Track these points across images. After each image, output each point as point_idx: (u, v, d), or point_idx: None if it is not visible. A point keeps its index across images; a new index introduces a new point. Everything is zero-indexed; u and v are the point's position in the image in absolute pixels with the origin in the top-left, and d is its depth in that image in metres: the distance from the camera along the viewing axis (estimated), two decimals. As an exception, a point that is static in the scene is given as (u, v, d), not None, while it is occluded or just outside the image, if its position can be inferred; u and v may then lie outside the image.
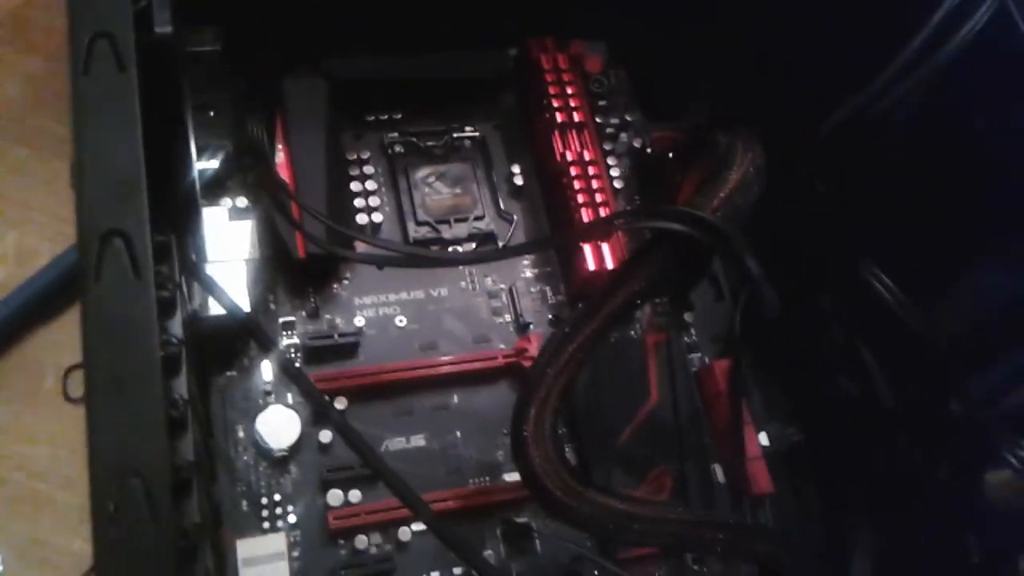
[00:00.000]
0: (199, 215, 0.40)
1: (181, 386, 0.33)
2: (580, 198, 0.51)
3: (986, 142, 0.44)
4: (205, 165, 0.49)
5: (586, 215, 0.51)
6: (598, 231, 0.49)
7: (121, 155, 0.25)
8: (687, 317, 0.54)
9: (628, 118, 0.58)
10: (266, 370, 0.47)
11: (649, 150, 0.56)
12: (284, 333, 0.48)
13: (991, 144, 0.44)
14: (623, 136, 0.57)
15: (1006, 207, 0.42)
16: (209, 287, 0.38)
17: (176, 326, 0.34)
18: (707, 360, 0.53)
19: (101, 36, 0.26)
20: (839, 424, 0.50)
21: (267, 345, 0.42)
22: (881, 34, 0.44)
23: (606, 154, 0.56)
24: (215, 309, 0.44)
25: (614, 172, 0.56)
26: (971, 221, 0.44)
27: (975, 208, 0.44)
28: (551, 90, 0.54)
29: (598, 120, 0.56)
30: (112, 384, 0.23)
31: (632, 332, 0.53)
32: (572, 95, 0.54)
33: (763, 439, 0.51)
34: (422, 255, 0.48)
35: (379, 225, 0.52)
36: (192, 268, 0.38)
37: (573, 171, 0.52)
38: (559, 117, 0.53)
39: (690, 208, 0.40)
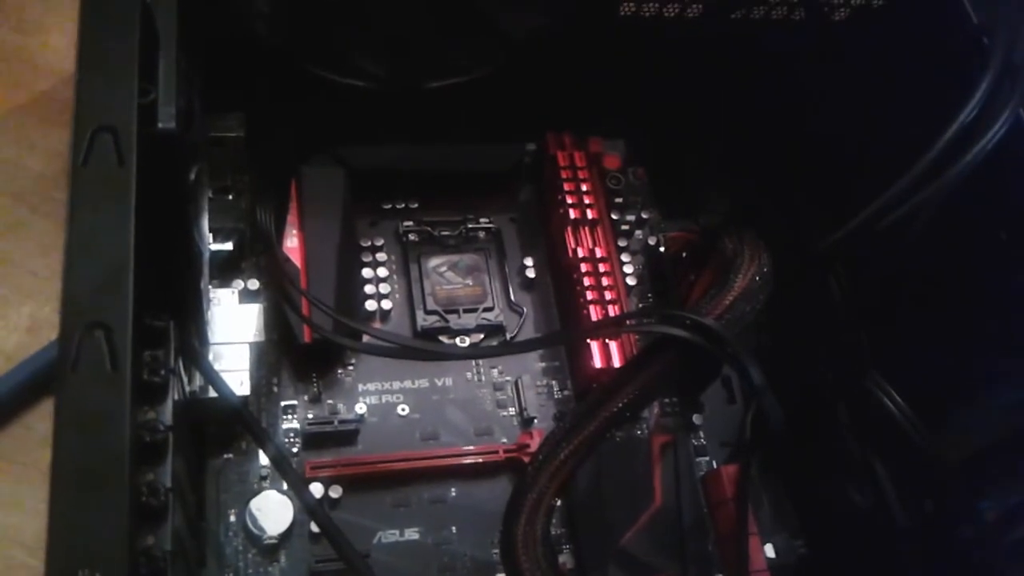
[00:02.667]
0: (201, 299, 0.40)
1: (164, 474, 0.33)
2: (590, 295, 0.51)
3: (1005, 256, 0.43)
4: (220, 247, 0.50)
5: (595, 312, 0.51)
6: (605, 330, 0.48)
7: (110, 247, 0.26)
8: (696, 419, 0.53)
9: (644, 216, 0.58)
10: (263, 454, 0.47)
11: (663, 249, 0.55)
12: (285, 417, 0.48)
13: (1009, 258, 0.43)
14: (638, 233, 0.57)
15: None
16: (206, 373, 0.38)
17: (165, 412, 0.34)
18: (715, 464, 0.52)
19: (104, 130, 0.27)
20: (848, 539, 0.49)
21: (257, 433, 0.42)
22: (898, 144, 0.44)
23: (620, 251, 0.56)
24: (214, 392, 0.44)
25: (628, 269, 0.55)
26: (985, 339, 0.43)
27: (990, 326, 0.43)
28: (566, 186, 0.54)
29: (614, 217, 0.57)
30: (76, 476, 0.23)
31: (639, 432, 0.52)
32: (587, 192, 0.55)
33: (769, 550, 0.49)
34: (423, 349, 0.48)
35: (388, 312, 0.52)
36: (191, 353, 0.39)
37: (584, 267, 0.52)
38: (573, 213, 0.54)
39: (693, 313, 0.39)
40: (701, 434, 0.53)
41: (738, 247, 0.42)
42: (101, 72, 0.28)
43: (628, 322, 0.50)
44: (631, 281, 0.55)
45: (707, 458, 0.52)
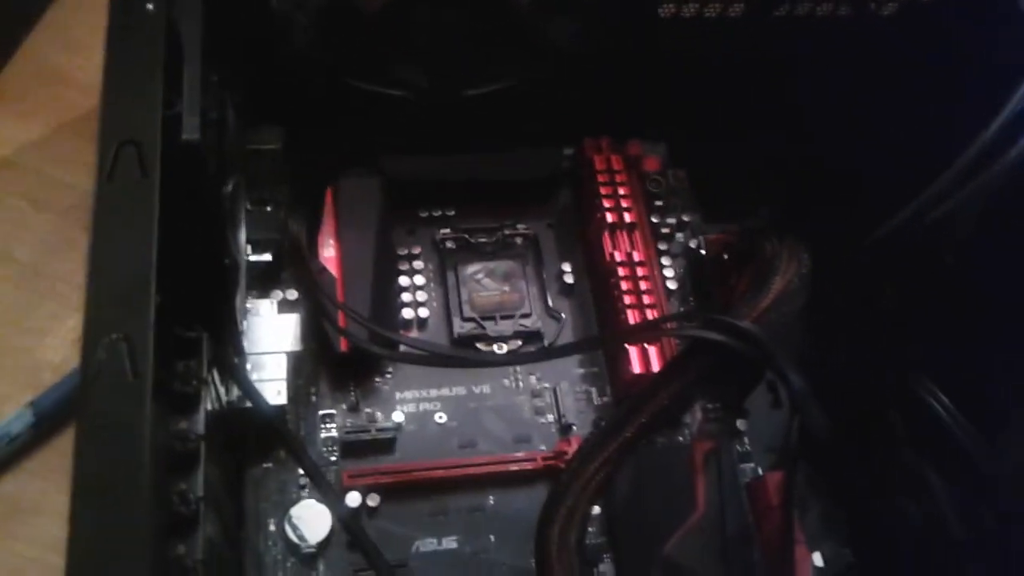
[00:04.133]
0: (234, 310, 0.40)
1: (196, 483, 0.33)
2: (627, 299, 0.50)
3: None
4: (259, 258, 0.50)
5: (633, 317, 0.50)
6: (641, 334, 0.48)
7: (133, 259, 0.26)
8: (740, 425, 0.52)
9: (685, 219, 0.57)
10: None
11: (703, 252, 0.54)
12: (323, 426, 0.48)
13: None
14: (679, 236, 0.56)
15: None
16: (240, 383, 0.38)
17: (197, 422, 0.34)
18: (760, 471, 0.51)
19: (128, 144, 0.27)
20: (900, 550, 0.47)
21: (291, 444, 0.42)
22: (942, 141, 0.42)
23: (660, 254, 0.55)
24: (268, 400, 0.44)
25: (668, 273, 0.55)
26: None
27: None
28: (603, 190, 0.54)
29: (654, 220, 0.56)
30: (97, 484, 0.23)
31: (681, 438, 0.51)
32: (624, 195, 0.54)
33: (817, 559, 0.48)
34: (458, 356, 0.48)
35: (425, 320, 0.52)
36: (226, 363, 0.39)
37: (621, 272, 0.51)
38: (610, 217, 0.53)
39: (731, 317, 0.38)
40: (746, 440, 0.52)
41: (777, 249, 0.41)
42: (125, 86, 0.28)
43: (666, 326, 0.49)
44: (672, 285, 0.54)
45: (752, 464, 0.51)
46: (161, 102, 0.29)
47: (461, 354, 0.49)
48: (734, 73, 0.56)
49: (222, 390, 0.41)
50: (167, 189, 0.28)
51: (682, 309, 0.54)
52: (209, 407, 0.37)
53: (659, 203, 0.57)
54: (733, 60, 0.56)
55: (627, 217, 0.53)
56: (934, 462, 0.46)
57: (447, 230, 0.55)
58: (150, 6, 0.30)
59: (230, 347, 0.40)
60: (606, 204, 0.53)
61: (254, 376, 0.45)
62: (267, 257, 0.50)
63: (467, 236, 0.55)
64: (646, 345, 0.49)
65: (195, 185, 0.31)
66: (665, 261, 0.55)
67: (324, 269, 0.50)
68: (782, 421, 0.53)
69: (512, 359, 0.50)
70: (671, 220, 0.57)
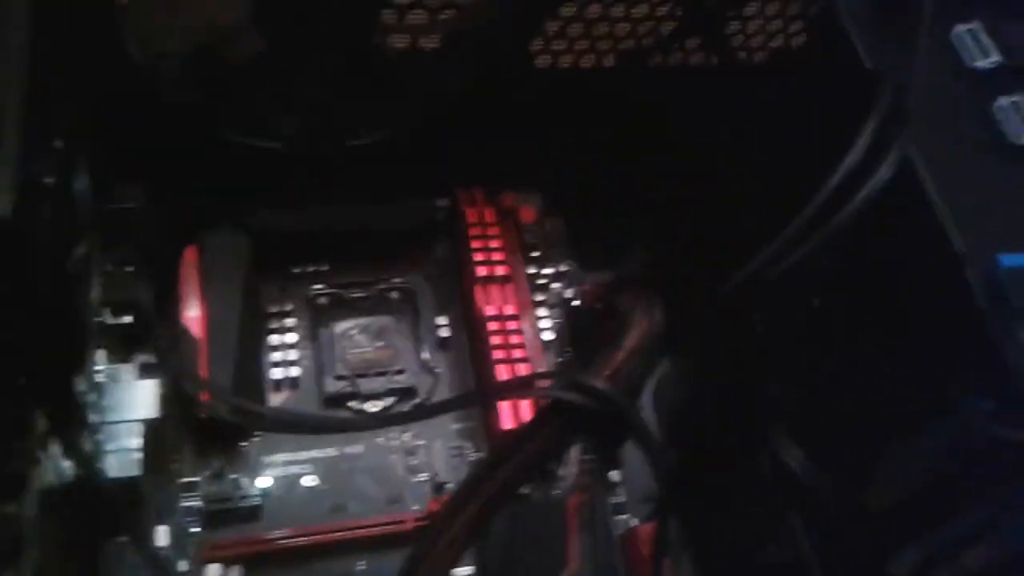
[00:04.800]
0: (71, 382, 0.39)
1: (23, 570, 0.32)
2: (497, 354, 0.50)
3: (905, 301, 0.43)
4: (118, 320, 0.48)
5: (503, 372, 0.50)
6: (505, 392, 0.48)
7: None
8: (615, 476, 0.52)
9: (562, 268, 0.57)
10: (161, 537, 0.45)
11: (578, 302, 0.55)
12: (184, 495, 0.47)
13: (910, 304, 0.43)
14: (555, 286, 0.57)
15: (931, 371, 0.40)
16: (76, 459, 0.37)
17: (27, 505, 0.33)
18: (635, 523, 0.51)
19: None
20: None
21: (130, 525, 0.41)
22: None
23: (537, 305, 0.55)
24: (110, 472, 0.43)
25: (544, 324, 0.55)
26: (902, 385, 0.42)
27: (906, 372, 0.43)
28: (474, 244, 0.54)
29: (532, 271, 0.56)
30: None
31: (555, 491, 0.51)
32: (497, 248, 0.54)
33: (691, 610, 0.48)
34: (324, 421, 0.47)
35: (296, 379, 0.51)
36: (66, 436, 0.37)
37: (492, 326, 0.51)
38: (481, 271, 0.53)
39: (588, 373, 0.38)
40: (621, 491, 0.52)
41: (630, 303, 0.41)
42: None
43: (534, 384, 0.49)
44: (547, 336, 0.54)
45: (627, 516, 0.51)
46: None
47: (326, 418, 0.48)
48: (611, 121, 0.57)
49: (62, 464, 0.39)
50: None
51: (559, 360, 0.54)
52: (49, 483, 0.36)
53: (536, 254, 0.57)
54: (610, 109, 0.57)
55: (499, 270, 0.53)
56: (797, 508, 0.46)
57: (320, 286, 0.54)
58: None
59: (75, 418, 0.38)
60: (477, 257, 0.53)
61: (109, 446, 0.43)
62: (127, 319, 0.48)
63: (341, 291, 0.54)
64: (517, 401, 0.49)
65: (15, 262, 0.29)
66: (541, 312, 0.55)
67: (185, 331, 0.48)
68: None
69: (372, 423, 0.50)
70: (548, 270, 0.57)
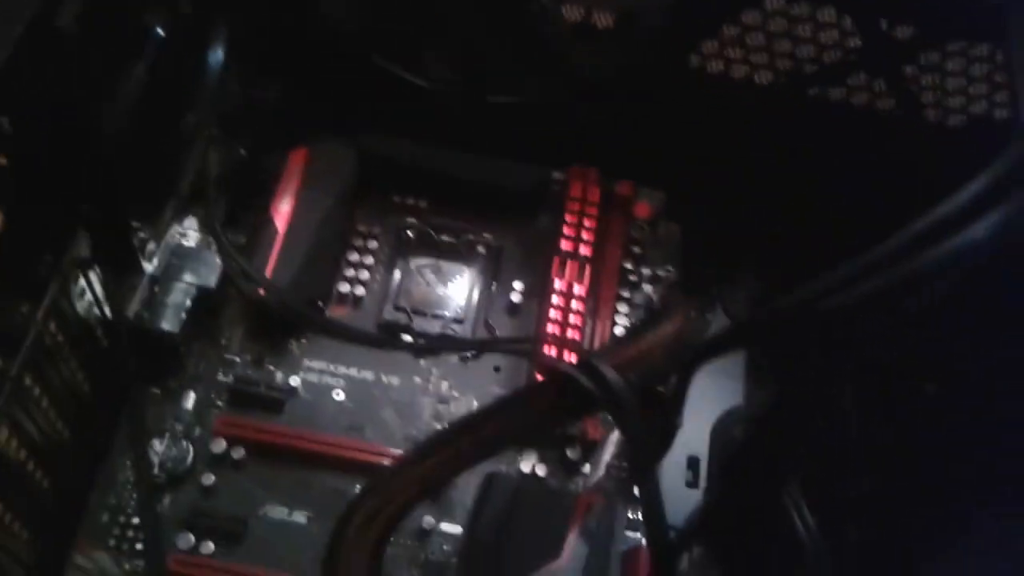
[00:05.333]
0: (127, 226, 0.41)
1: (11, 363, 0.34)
2: (551, 328, 0.49)
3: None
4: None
5: (551, 350, 0.48)
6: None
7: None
8: (638, 491, 0.49)
9: (660, 273, 0.55)
10: (188, 400, 0.47)
11: (652, 308, 0.52)
12: (221, 369, 0.49)
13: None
14: (647, 287, 0.54)
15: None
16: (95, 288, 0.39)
17: (35, 309, 0.35)
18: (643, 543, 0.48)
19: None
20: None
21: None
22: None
23: (620, 299, 0.53)
24: (158, 322, 0.45)
25: (621, 320, 0.52)
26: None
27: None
28: (567, 217, 0.52)
29: (627, 265, 0.54)
30: None
31: (573, 484, 0.49)
32: (588, 228, 0.52)
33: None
34: (360, 332, 0.48)
35: (360, 299, 0.52)
36: (103, 266, 0.40)
37: (555, 299, 0.50)
38: (564, 245, 0.51)
39: (593, 357, 0.36)
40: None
41: (672, 305, 0.38)
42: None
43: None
44: (619, 332, 0.52)
45: (638, 534, 0.48)
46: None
47: (361, 331, 0.49)
48: (754, 141, 0.54)
49: (105, 300, 0.42)
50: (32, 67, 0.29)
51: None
52: (67, 306, 0.38)
53: (637, 250, 0.55)
54: (756, 128, 0.54)
55: (583, 250, 0.52)
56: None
57: (414, 220, 0.55)
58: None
59: (120, 259, 0.41)
60: (566, 231, 0.52)
61: (165, 299, 0.46)
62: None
63: (431, 231, 0.55)
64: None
65: (68, 75, 0.31)
66: (622, 308, 0.53)
67: (270, 221, 0.50)
68: (692, 502, 0.50)
69: (402, 345, 0.49)
70: (645, 271, 0.54)
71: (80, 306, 0.39)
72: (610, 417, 0.48)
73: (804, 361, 0.40)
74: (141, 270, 0.44)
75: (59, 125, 0.33)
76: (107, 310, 0.42)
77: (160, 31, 0.40)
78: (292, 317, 0.49)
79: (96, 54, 0.33)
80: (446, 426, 0.38)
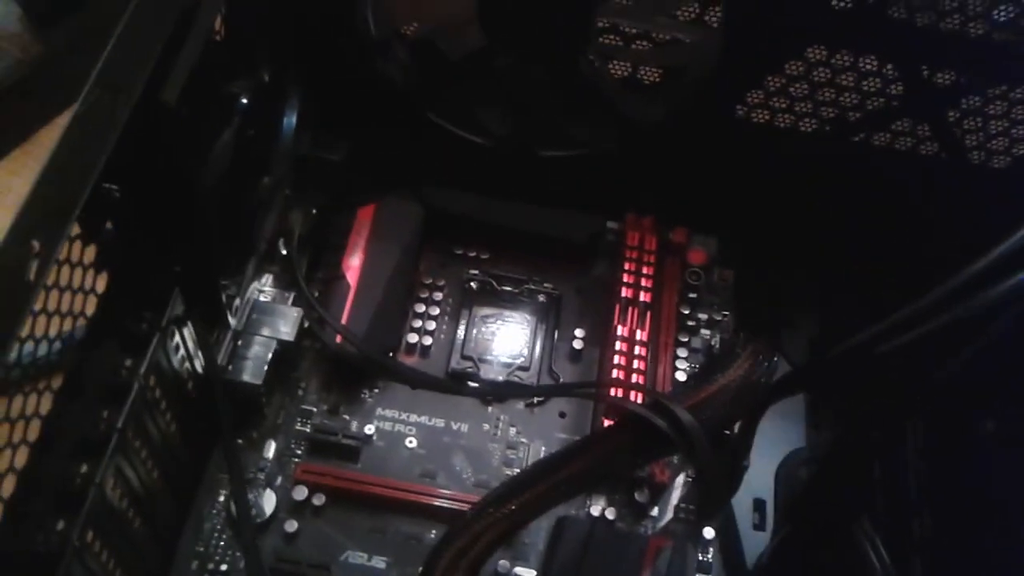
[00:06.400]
0: (218, 284, 0.43)
1: (119, 414, 0.36)
2: (616, 373, 0.50)
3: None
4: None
5: (615, 391, 0.49)
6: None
7: (74, 178, 0.29)
8: (707, 533, 0.50)
9: (717, 318, 0.56)
10: (269, 449, 0.49)
11: (715, 351, 0.53)
12: (300, 419, 0.51)
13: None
14: (704, 332, 0.55)
15: None
16: (196, 343, 0.41)
17: (139, 364, 0.37)
18: (715, 584, 0.48)
19: (110, 87, 0.31)
20: None
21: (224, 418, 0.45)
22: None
23: (679, 344, 0.54)
24: (240, 375, 0.47)
25: (681, 364, 0.54)
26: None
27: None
28: (626, 265, 0.54)
29: (684, 311, 0.55)
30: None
31: (642, 528, 0.50)
32: (647, 275, 0.54)
33: None
34: (434, 380, 0.49)
35: (428, 348, 0.54)
36: (196, 323, 0.42)
37: (619, 346, 0.51)
38: (625, 292, 0.53)
39: (665, 399, 0.38)
40: (711, 550, 0.49)
41: (738, 346, 0.39)
42: (128, 44, 0.32)
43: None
44: (680, 376, 0.53)
45: (710, 576, 0.49)
46: (156, 62, 0.32)
47: (437, 378, 0.50)
48: (800, 186, 0.55)
49: (198, 355, 0.44)
50: (134, 135, 0.32)
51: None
52: (164, 361, 0.40)
53: (693, 295, 0.56)
54: (801, 174, 0.55)
55: (644, 296, 0.53)
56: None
57: (476, 271, 0.57)
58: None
59: (210, 316, 0.43)
60: (626, 279, 0.53)
61: (246, 353, 0.48)
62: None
63: (494, 281, 0.57)
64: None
65: (173, 145, 0.34)
66: (682, 353, 0.54)
67: (342, 276, 0.52)
68: (761, 544, 0.50)
69: (474, 390, 0.51)
70: (702, 315, 0.56)
71: (174, 360, 0.42)
72: (682, 458, 0.50)
73: (867, 402, 0.41)
74: (228, 325, 0.46)
75: (160, 191, 0.36)
76: (198, 364, 0.44)
77: (244, 99, 0.42)
78: (375, 367, 0.51)
79: (193, 124, 0.36)
80: (525, 470, 0.39)
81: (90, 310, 0.34)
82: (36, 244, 0.28)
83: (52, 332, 0.31)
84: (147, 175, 0.34)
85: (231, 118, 0.41)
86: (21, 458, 0.31)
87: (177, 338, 0.41)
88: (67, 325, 0.33)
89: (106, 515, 0.36)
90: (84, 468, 0.35)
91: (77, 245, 0.32)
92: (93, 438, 0.35)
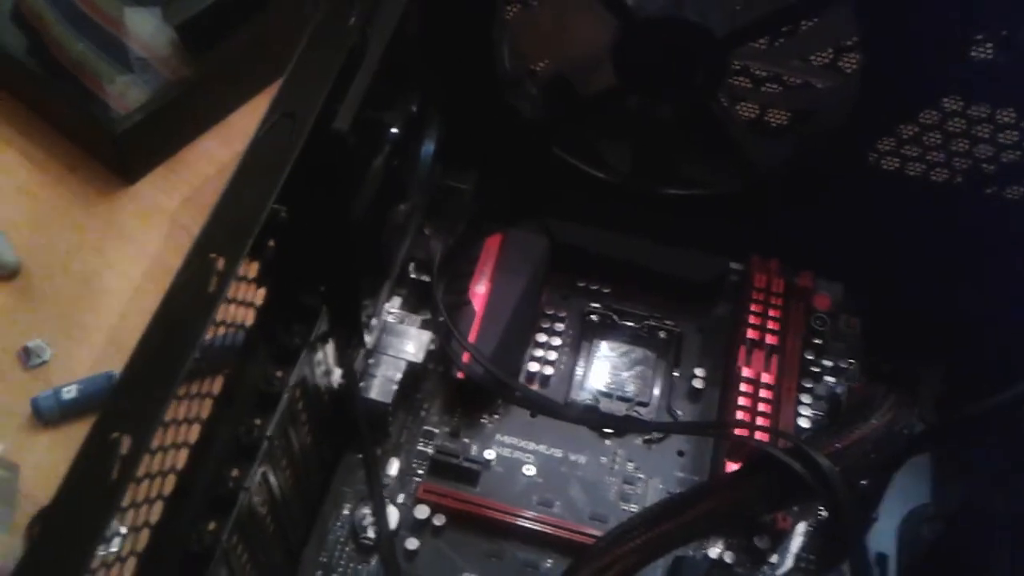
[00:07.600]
0: (359, 304, 0.45)
1: (270, 423, 0.38)
2: (740, 415, 0.50)
3: None
4: (418, 277, 0.55)
5: (740, 432, 0.49)
6: (737, 428, 0.47)
7: (253, 201, 0.31)
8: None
9: (842, 365, 0.55)
10: (392, 467, 0.51)
11: (843, 400, 0.52)
12: (422, 440, 0.52)
13: None
14: (829, 379, 0.55)
15: None
16: (337, 357, 0.43)
17: (288, 375, 0.39)
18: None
19: (287, 115, 0.33)
20: None
21: (363, 439, 0.46)
22: None
23: (803, 390, 0.53)
24: (370, 392, 0.49)
25: (804, 411, 0.53)
26: None
27: None
28: (753, 307, 0.54)
29: (808, 357, 0.54)
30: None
31: (759, 574, 0.49)
32: (773, 318, 0.53)
33: None
34: (561, 408, 0.50)
35: (548, 378, 0.55)
36: (339, 340, 0.44)
37: (743, 387, 0.51)
38: (751, 334, 0.53)
39: (804, 444, 0.37)
40: (831, 602, 0.48)
41: (879, 397, 0.39)
42: (303, 76, 0.34)
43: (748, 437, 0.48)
44: (804, 423, 0.52)
45: (829, 630, 0.48)
46: (327, 93, 0.34)
47: (563, 407, 0.51)
48: (929, 236, 0.54)
49: (335, 370, 0.46)
50: (307, 162, 0.33)
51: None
52: (308, 374, 0.42)
53: (818, 341, 0.55)
54: (931, 223, 0.54)
55: (769, 339, 0.53)
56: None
57: (597, 304, 0.57)
58: (352, 20, 0.36)
59: (354, 335, 0.45)
60: (751, 320, 0.53)
61: (376, 372, 0.50)
62: (424, 278, 0.55)
63: (615, 316, 0.57)
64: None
65: (337, 169, 0.36)
66: (805, 399, 0.53)
67: (469, 303, 0.53)
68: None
69: (604, 423, 0.51)
70: (827, 362, 0.55)
71: (317, 374, 0.43)
72: (805, 507, 0.49)
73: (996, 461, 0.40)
74: (363, 344, 0.48)
75: (320, 213, 0.38)
76: (335, 379, 0.46)
77: (395, 129, 0.44)
78: (505, 390, 0.52)
79: (356, 152, 0.38)
80: (652, 507, 0.40)
81: (248, 321, 0.36)
82: (219, 260, 0.30)
83: (218, 341, 0.33)
84: (311, 198, 0.35)
85: (383, 147, 0.42)
86: (181, 459, 0.33)
87: (320, 353, 0.43)
88: (230, 334, 0.34)
89: (249, 519, 0.38)
90: (235, 472, 0.37)
91: (245, 260, 0.34)
92: (245, 444, 0.36)
